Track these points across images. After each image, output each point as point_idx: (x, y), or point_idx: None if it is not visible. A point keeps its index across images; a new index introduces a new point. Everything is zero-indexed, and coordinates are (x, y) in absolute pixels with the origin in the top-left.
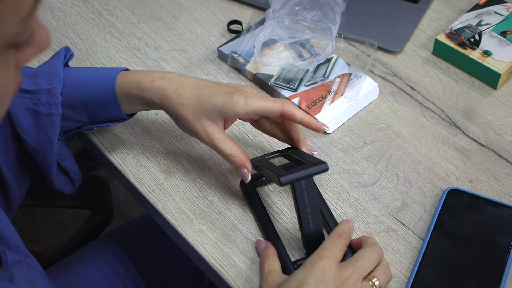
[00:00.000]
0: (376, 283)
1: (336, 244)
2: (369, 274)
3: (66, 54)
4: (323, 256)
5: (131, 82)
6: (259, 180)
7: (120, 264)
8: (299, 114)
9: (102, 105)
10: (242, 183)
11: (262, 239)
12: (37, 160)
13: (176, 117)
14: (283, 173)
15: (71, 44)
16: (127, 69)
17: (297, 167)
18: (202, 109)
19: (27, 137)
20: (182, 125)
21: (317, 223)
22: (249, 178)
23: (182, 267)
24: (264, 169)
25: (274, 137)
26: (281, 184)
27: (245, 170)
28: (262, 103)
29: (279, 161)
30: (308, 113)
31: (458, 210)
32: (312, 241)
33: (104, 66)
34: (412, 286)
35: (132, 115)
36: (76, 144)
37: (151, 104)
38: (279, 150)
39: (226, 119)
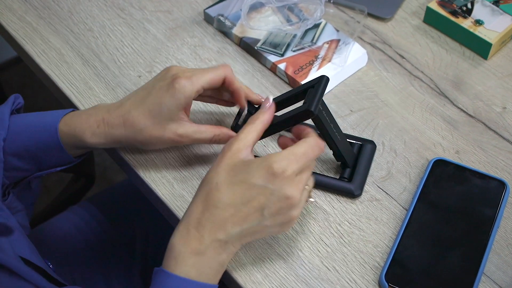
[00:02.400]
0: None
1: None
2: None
3: (15, 101)
4: (285, 158)
5: (74, 131)
6: None
7: (101, 228)
8: (237, 84)
9: (47, 151)
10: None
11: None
12: None
13: (143, 143)
14: (304, 106)
15: (53, 2)
16: (73, 110)
17: (305, 97)
18: (161, 118)
19: None
20: (154, 146)
21: (341, 134)
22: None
23: (163, 232)
24: (279, 120)
25: (219, 104)
26: (314, 114)
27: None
28: (206, 75)
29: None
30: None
31: (444, 181)
32: (345, 151)
33: (86, 26)
34: (394, 257)
35: (82, 155)
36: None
37: (102, 147)
38: (249, 110)
39: (185, 108)
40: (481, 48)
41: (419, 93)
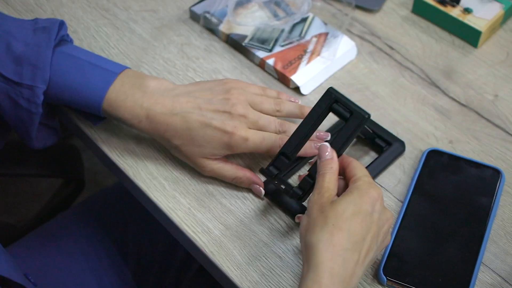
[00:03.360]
0: None
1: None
2: None
3: (58, 33)
4: (373, 185)
5: (116, 116)
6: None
7: (93, 233)
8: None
9: (87, 112)
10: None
11: (328, 144)
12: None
13: (170, 150)
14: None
15: (35, 5)
16: (125, 67)
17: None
18: (199, 152)
19: (5, 116)
20: (177, 155)
21: None
22: (263, 193)
23: (156, 234)
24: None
25: None
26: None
27: (257, 186)
28: (262, 146)
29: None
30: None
31: (438, 172)
32: None
33: (71, 28)
34: (392, 250)
35: None
36: None
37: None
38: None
39: None
40: (470, 36)
41: (410, 84)
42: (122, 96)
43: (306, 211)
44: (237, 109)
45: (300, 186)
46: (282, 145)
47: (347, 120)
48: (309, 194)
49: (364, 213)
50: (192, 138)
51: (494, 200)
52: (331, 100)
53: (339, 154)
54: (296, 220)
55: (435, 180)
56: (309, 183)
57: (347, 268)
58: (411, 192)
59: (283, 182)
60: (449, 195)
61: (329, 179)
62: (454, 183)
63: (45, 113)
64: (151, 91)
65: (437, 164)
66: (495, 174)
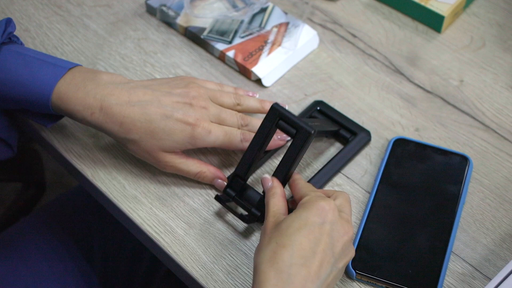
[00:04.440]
0: None
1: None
2: None
3: (6, 30)
4: (323, 198)
5: (66, 109)
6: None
7: (56, 237)
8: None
9: (38, 109)
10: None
11: (268, 176)
12: None
13: (128, 148)
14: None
15: None
16: (77, 65)
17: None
18: (159, 146)
19: None
20: (136, 154)
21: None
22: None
23: (122, 237)
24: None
25: None
26: (313, 133)
27: (219, 180)
28: (225, 141)
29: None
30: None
31: (405, 160)
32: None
33: (22, 27)
34: (360, 243)
35: None
36: None
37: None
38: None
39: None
40: (434, 21)
41: (374, 71)
42: (73, 88)
43: None
44: (198, 101)
45: (257, 207)
46: (244, 139)
47: (294, 136)
48: None
49: (311, 225)
50: (152, 131)
51: (463, 188)
52: (276, 117)
53: (289, 175)
54: None
55: (402, 169)
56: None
57: (295, 283)
58: (378, 182)
59: (241, 204)
60: (417, 184)
61: (273, 204)
62: (422, 172)
63: None
64: (104, 83)
65: (404, 152)
66: (463, 160)
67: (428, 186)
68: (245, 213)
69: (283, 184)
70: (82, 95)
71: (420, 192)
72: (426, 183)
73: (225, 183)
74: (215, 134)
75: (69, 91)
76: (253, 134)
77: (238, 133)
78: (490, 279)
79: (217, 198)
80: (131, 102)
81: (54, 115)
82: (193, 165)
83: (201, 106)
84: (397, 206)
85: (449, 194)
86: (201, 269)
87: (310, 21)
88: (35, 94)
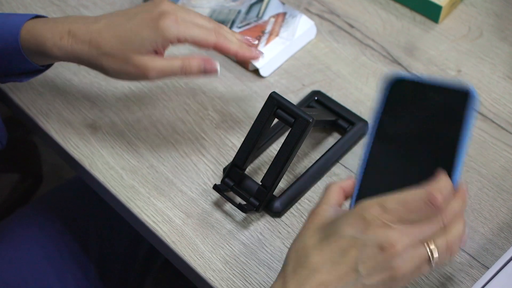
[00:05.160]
0: (435, 253)
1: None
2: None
3: None
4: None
5: (36, 40)
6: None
7: (53, 228)
8: (233, 48)
9: (8, 57)
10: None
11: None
12: None
13: (102, 69)
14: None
15: None
16: (37, 16)
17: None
18: (130, 49)
19: None
20: (118, 75)
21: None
22: (218, 68)
23: (119, 227)
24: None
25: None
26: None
27: (209, 62)
28: (196, 33)
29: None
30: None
31: (404, 108)
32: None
33: None
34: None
35: (49, 65)
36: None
37: (66, 60)
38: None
39: (159, 50)
40: (431, 11)
41: (372, 62)
42: (42, 22)
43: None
44: (167, 14)
45: (255, 196)
46: (217, 41)
47: (292, 125)
48: (265, 204)
49: (339, 237)
50: (119, 35)
51: (462, 131)
52: (274, 106)
53: (287, 165)
54: None
55: (399, 114)
56: (264, 193)
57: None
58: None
59: (239, 193)
60: (415, 135)
61: (327, 193)
62: (420, 120)
63: None
64: (73, 17)
65: (403, 98)
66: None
67: (426, 136)
68: (243, 202)
69: None
70: (51, 24)
71: (417, 141)
72: (425, 133)
73: (217, 63)
74: (185, 24)
75: (38, 24)
76: (229, 34)
77: (212, 33)
78: (488, 268)
79: (215, 187)
80: (97, 20)
81: (30, 70)
82: (175, 61)
83: (169, 13)
84: (394, 164)
85: (447, 139)
86: (199, 258)
87: (308, 11)
88: (5, 33)
